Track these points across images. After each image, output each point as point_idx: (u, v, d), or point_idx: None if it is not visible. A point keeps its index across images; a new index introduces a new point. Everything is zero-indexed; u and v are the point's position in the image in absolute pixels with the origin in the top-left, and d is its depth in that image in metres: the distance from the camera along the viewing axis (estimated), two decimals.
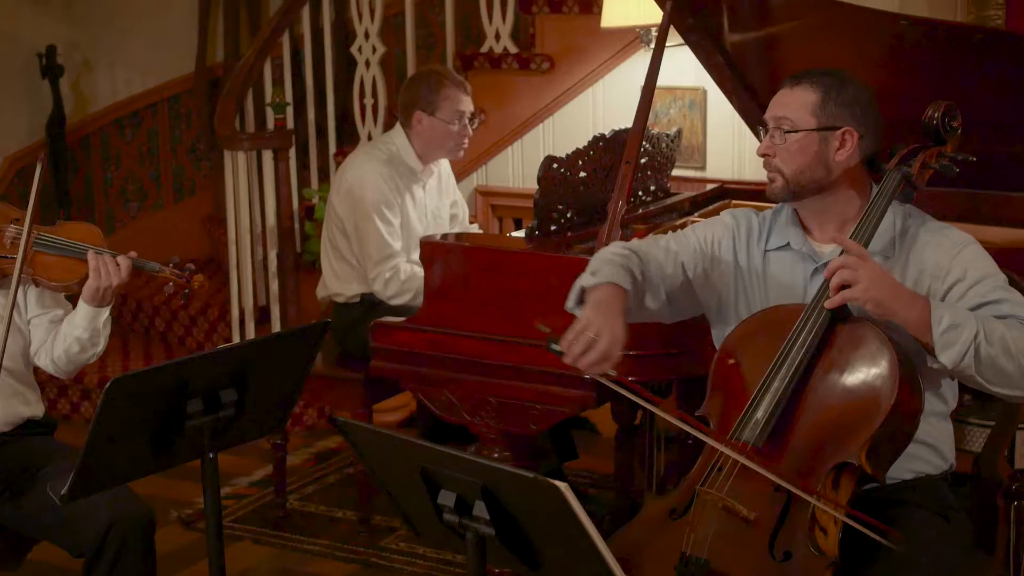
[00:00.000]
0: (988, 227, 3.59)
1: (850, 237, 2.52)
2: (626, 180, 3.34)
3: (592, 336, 2.42)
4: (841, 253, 2.46)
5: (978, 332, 2.35)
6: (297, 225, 5.49)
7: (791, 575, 2.30)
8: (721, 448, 2.41)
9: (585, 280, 2.58)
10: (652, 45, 4.65)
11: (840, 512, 2.32)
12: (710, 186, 4.45)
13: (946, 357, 2.37)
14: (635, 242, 2.74)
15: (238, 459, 4.77)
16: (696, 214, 4.04)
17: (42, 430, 3.23)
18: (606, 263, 2.60)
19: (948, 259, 2.53)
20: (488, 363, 3.31)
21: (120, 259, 3.04)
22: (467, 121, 4.18)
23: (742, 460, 2.37)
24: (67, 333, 3.10)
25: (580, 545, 1.93)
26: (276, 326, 5.29)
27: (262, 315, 5.41)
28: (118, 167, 6.60)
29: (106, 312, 3.09)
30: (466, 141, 4.22)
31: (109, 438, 2.40)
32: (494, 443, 3.41)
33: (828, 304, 2.42)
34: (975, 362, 2.36)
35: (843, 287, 2.40)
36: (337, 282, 4.27)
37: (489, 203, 5.40)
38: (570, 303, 2.58)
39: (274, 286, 5.30)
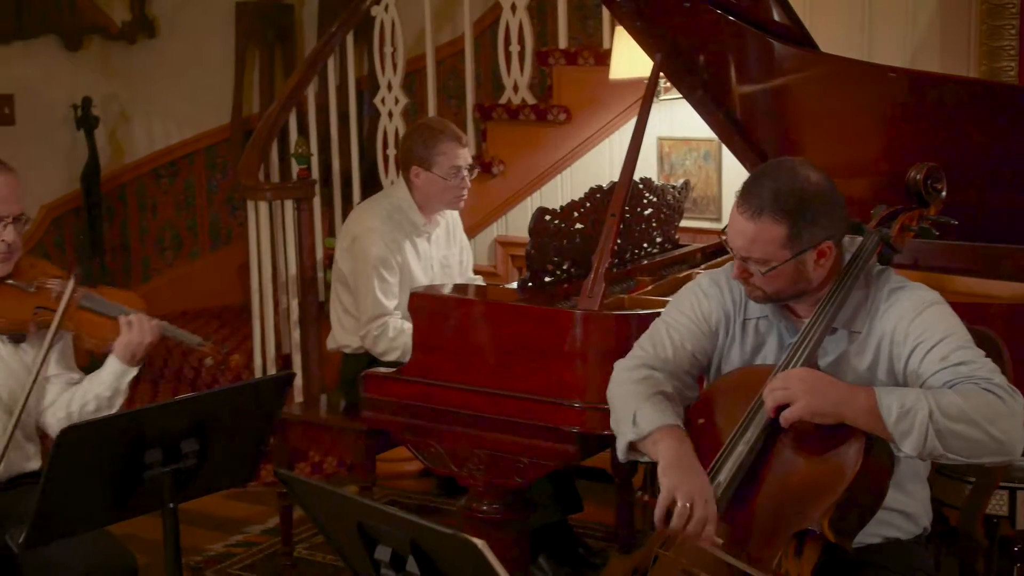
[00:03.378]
0: (995, 281, 3.53)
1: (819, 309, 2.48)
2: (611, 233, 3.31)
3: (685, 504, 2.29)
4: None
5: (932, 411, 2.24)
6: (320, 274, 5.51)
7: None
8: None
9: (629, 435, 2.46)
10: (663, 97, 4.66)
11: None
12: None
13: (908, 446, 2.27)
14: (638, 355, 2.64)
15: (252, 506, 4.80)
16: (703, 266, 4.01)
17: (35, 479, 3.24)
18: (638, 401, 2.48)
19: (907, 323, 2.45)
20: (475, 415, 3.28)
21: (154, 320, 3.13)
22: (464, 174, 4.18)
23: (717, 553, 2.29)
24: (87, 390, 3.13)
25: None
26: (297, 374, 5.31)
27: (284, 363, 5.43)
28: (155, 216, 6.71)
29: (133, 373, 3.14)
30: (465, 192, 4.21)
31: (64, 487, 2.41)
32: (483, 495, 3.38)
33: (782, 423, 2.35)
34: (939, 442, 2.25)
35: (784, 405, 2.34)
36: (343, 333, 4.29)
37: (509, 253, 5.41)
38: (622, 457, 2.50)
39: (296, 335, 5.33)
